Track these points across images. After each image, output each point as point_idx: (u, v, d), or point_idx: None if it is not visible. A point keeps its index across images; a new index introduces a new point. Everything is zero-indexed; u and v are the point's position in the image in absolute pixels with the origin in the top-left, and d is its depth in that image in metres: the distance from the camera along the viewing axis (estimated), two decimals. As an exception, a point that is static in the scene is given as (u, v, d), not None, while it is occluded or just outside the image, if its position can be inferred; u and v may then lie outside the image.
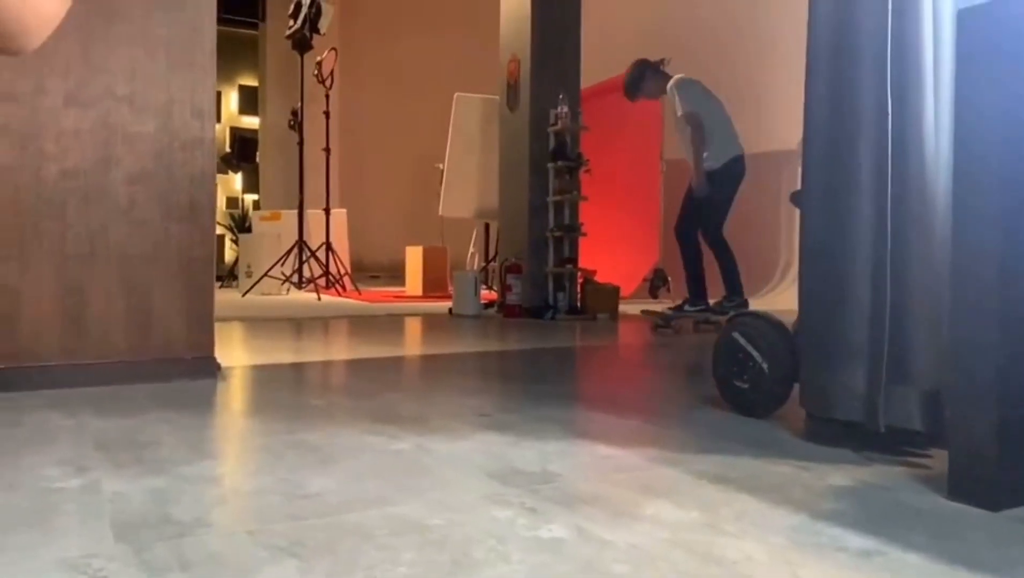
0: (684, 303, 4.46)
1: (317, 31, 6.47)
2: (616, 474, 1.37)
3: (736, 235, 7.71)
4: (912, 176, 1.43)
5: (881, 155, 1.47)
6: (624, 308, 5.46)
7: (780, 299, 6.21)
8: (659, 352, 3.59)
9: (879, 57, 1.48)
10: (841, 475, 1.36)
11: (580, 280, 5.20)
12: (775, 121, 6.61)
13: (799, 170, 1.69)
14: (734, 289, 4.47)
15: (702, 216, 4.39)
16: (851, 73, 1.54)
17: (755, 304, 6.69)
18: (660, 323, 4.29)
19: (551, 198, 5.03)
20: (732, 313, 4.16)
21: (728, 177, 4.37)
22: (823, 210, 1.58)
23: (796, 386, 1.70)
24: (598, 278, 5.33)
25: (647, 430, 1.77)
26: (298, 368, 2.81)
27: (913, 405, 1.40)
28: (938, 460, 1.41)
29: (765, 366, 1.79)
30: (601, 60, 6.66)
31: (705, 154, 4.31)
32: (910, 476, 1.36)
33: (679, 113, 4.36)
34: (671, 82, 4.46)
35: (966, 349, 1.22)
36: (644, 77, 4.60)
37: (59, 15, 0.63)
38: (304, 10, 6.47)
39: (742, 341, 1.85)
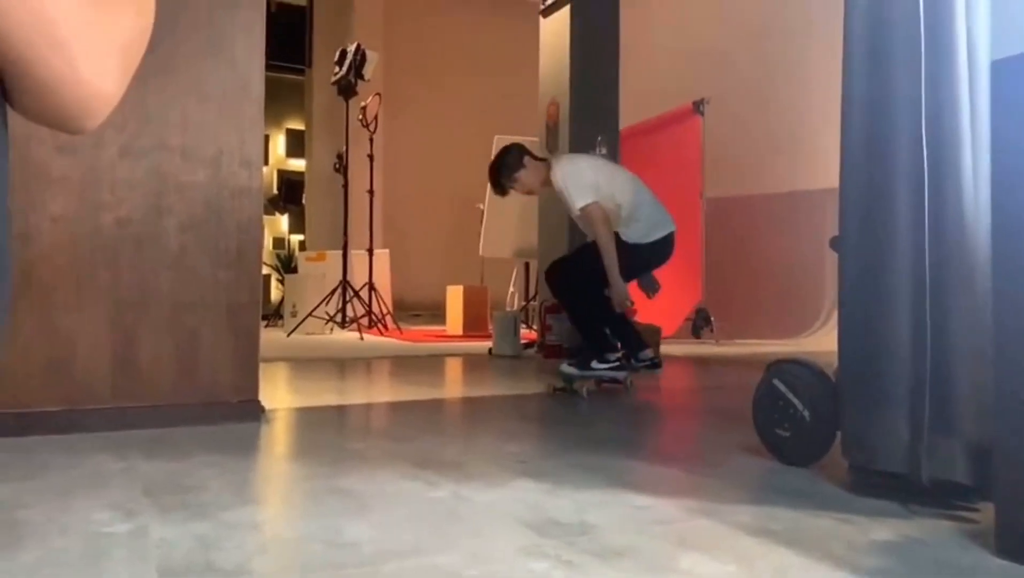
0: (591, 358, 3.34)
1: (362, 77, 6.64)
2: (653, 526, 1.36)
3: (780, 274, 7.65)
4: (950, 226, 1.42)
5: (918, 203, 1.46)
6: (666, 349, 5.42)
7: (826, 340, 6.11)
8: (699, 396, 3.56)
9: (914, 105, 1.48)
10: (884, 529, 1.34)
11: (620, 320, 5.18)
12: (820, 158, 6.57)
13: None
14: (635, 343, 3.55)
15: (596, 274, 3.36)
16: (886, 122, 1.54)
17: (799, 346, 6.59)
18: (559, 386, 3.29)
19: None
20: (644, 368, 3.47)
21: (651, 253, 3.47)
22: (860, 257, 1.57)
23: (838, 435, 1.67)
24: (639, 318, 5.31)
25: (685, 479, 1.75)
26: (340, 410, 2.85)
27: (958, 457, 1.37)
28: (986, 514, 1.38)
29: (806, 414, 1.77)
30: (640, 100, 6.73)
31: (626, 230, 3.38)
32: (956, 531, 1.33)
33: (574, 213, 3.39)
34: (556, 169, 3.41)
35: (1010, 401, 1.19)
36: (520, 164, 3.51)
37: (119, 94, 0.67)
38: (349, 57, 6.66)
39: (782, 388, 1.83)
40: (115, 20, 0.66)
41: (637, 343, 3.54)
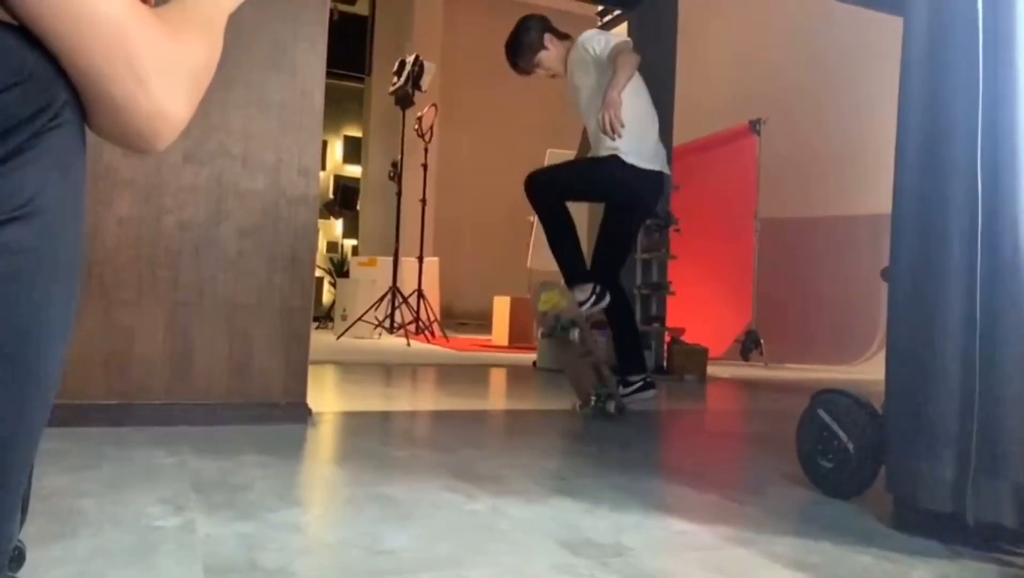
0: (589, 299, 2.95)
1: (419, 88, 6.75)
2: (689, 552, 1.36)
3: (835, 299, 7.51)
4: (1005, 258, 1.39)
5: (972, 234, 1.44)
6: (713, 370, 5.37)
7: (880, 368, 5.97)
8: (743, 420, 3.52)
9: (970, 135, 1.46)
10: (926, 569, 1.31)
11: (667, 340, 5.16)
12: (880, 182, 6.45)
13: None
14: (632, 364, 3.17)
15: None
16: (941, 150, 1.52)
17: (851, 373, 6.46)
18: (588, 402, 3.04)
19: (639, 256, 5.04)
20: (633, 392, 3.14)
21: (639, 188, 3.07)
22: (910, 287, 1.55)
23: (883, 468, 1.65)
24: (687, 338, 5.28)
25: (725, 506, 1.74)
26: (385, 416, 2.89)
27: (1004, 499, 1.34)
28: (1034, 559, 1.34)
29: (851, 446, 1.74)
30: (695, 118, 6.70)
31: (626, 145, 2.96)
32: (1000, 575, 1.30)
33: (605, 54, 2.96)
34: (582, 34, 3.05)
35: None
36: (541, 44, 3.12)
37: (187, 118, 0.71)
38: (408, 68, 6.77)
39: (827, 419, 1.81)
40: (188, 49, 0.70)
41: (632, 364, 3.18)
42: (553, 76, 3.26)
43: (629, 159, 3.00)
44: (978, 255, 1.43)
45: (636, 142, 3.02)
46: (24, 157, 0.58)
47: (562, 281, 3.12)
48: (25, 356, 0.59)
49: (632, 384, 3.16)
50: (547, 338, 3.04)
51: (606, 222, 3.15)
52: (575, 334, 2.84)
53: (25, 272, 0.58)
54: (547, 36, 3.15)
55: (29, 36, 0.63)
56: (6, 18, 0.63)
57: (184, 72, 0.69)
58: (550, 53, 3.15)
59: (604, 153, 3.05)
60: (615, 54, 2.95)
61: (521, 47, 3.17)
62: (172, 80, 0.68)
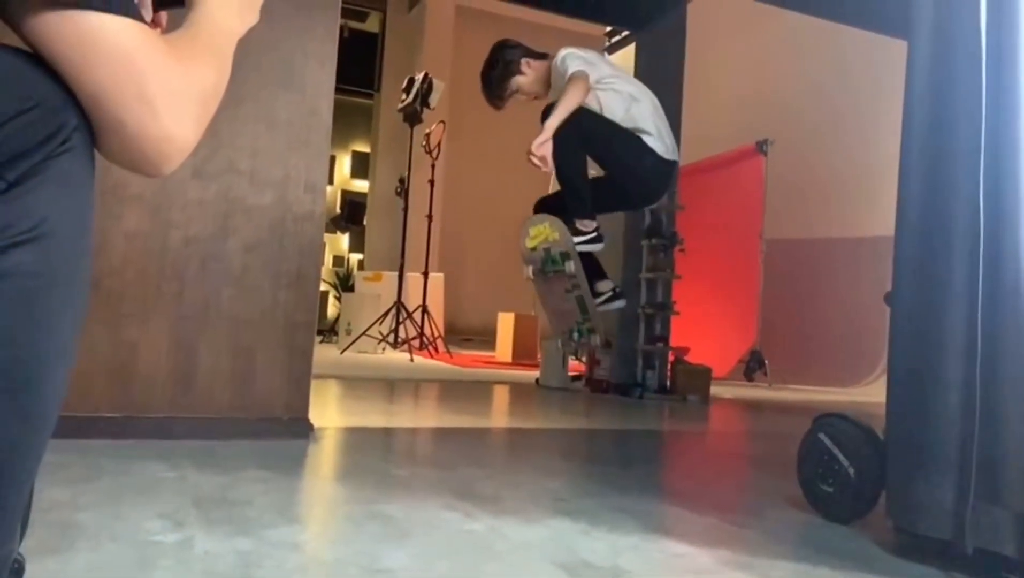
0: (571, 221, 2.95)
1: (427, 105, 6.79)
2: (687, 575, 1.36)
3: (839, 320, 7.49)
4: (1007, 287, 1.40)
5: (974, 262, 1.44)
6: (716, 390, 5.35)
7: (884, 390, 5.95)
8: (745, 441, 3.51)
9: (973, 160, 1.47)
10: (924, 596, 1.31)
11: (671, 359, 5.15)
12: (885, 205, 6.45)
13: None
14: (599, 274, 3.20)
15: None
16: (944, 176, 1.52)
17: (855, 395, 6.43)
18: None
19: (644, 275, 5.05)
20: (603, 303, 3.15)
21: (650, 176, 3.11)
22: (911, 313, 1.55)
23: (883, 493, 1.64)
24: (691, 358, 5.27)
25: (724, 529, 1.74)
26: (387, 433, 2.89)
27: (1004, 527, 1.33)
28: (1033, 589, 1.34)
29: (851, 471, 1.74)
30: (702, 139, 6.72)
31: (653, 138, 2.98)
32: (1000, 604, 1.29)
33: (564, 77, 2.89)
34: (562, 49, 2.98)
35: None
36: (518, 69, 3.05)
37: (195, 142, 0.72)
38: (417, 85, 6.81)
39: (828, 443, 1.81)
40: (196, 73, 0.72)
41: (599, 274, 3.18)
42: (536, 98, 3.20)
43: (651, 143, 3.02)
44: (979, 282, 1.43)
45: (655, 134, 3.05)
46: (33, 182, 0.59)
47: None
48: (28, 378, 0.60)
49: (602, 294, 3.18)
50: (538, 276, 3.03)
51: (608, 176, 3.16)
52: (571, 266, 2.84)
53: (31, 296, 0.59)
54: (523, 61, 3.09)
55: (39, 61, 0.64)
56: (16, 43, 0.65)
57: (192, 96, 0.70)
58: (527, 77, 3.10)
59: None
60: (566, 83, 2.93)
61: (499, 74, 3.11)
62: (180, 104, 0.69)
